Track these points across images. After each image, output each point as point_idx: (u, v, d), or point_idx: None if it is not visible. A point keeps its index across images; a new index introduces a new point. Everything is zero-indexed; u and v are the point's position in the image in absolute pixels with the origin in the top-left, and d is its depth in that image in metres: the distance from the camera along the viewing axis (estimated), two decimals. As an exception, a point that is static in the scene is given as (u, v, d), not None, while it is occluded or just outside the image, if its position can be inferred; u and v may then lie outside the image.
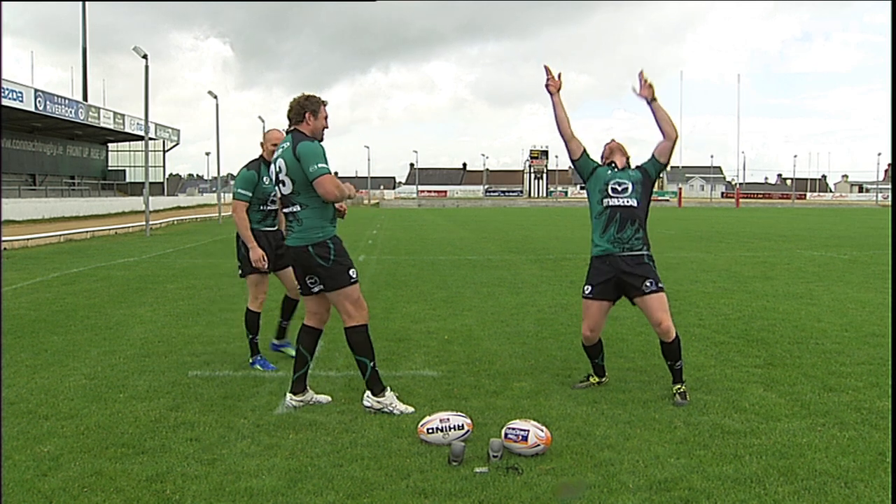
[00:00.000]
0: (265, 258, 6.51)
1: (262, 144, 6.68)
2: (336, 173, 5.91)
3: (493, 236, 26.40)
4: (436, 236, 26.55)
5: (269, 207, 6.67)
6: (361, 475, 4.19)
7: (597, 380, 6.06)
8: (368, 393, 5.38)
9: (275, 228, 6.77)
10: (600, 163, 5.95)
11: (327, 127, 5.45)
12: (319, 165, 5.17)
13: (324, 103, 5.42)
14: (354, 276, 5.38)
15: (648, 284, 5.61)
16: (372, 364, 5.36)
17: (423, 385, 6.06)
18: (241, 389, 5.94)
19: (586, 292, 5.83)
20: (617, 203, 5.70)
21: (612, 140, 6.04)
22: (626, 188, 5.74)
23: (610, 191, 5.74)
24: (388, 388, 5.40)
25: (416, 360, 6.99)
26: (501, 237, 25.93)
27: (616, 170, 5.84)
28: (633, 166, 5.92)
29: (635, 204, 5.71)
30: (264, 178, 6.53)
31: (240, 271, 6.93)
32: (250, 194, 6.52)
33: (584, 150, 5.93)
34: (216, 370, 6.57)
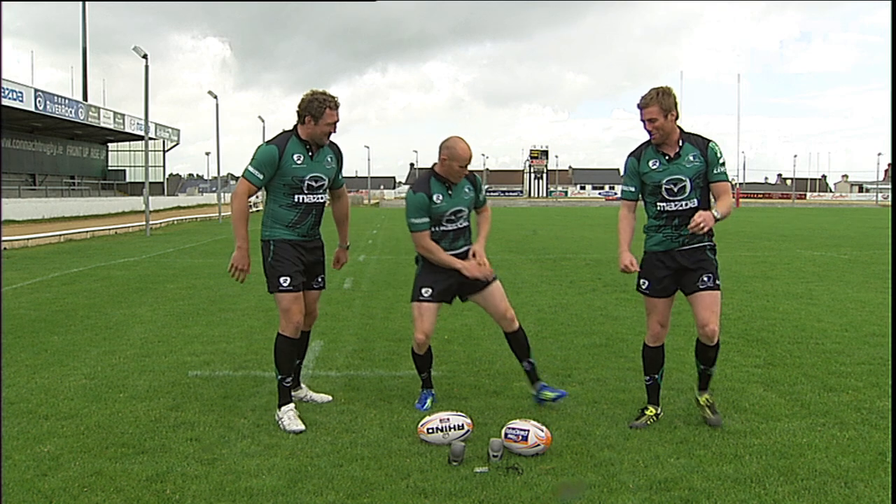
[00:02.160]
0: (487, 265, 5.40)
1: (442, 161, 5.34)
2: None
3: (492, 236, 26.34)
4: (436, 236, 26.54)
5: (445, 228, 5.40)
6: (361, 475, 4.19)
7: (654, 412, 5.14)
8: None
9: (465, 248, 5.52)
10: (641, 148, 5.03)
11: (332, 132, 5.14)
12: (248, 168, 5.04)
13: (330, 106, 5.05)
14: (285, 284, 5.12)
15: (706, 279, 4.90)
16: (279, 378, 5.17)
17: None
18: (241, 389, 5.93)
19: (644, 287, 5.09)
20: (675, 208, 4.89)
21: (649, 101, 4.81)
22: (684, 187, 4.86)
23: (664, 192, 4.89)
24: (290, 405, 5.13)
25: (416, 359, 6.97)
26: (501, 237, 25.90)
27: (667, 160, 4.90)
28: (693, 145, 4.89)
29: (696, 204, 4.87)
30: (436, 197, 5.34)
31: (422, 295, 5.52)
32: (427, 219, 5.36)
33: (636, 193, 5.09)
34: (216, 370, 6.56)
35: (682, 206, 4.88)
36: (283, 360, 5.20)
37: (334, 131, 5.17)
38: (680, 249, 4.94)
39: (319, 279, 5.50)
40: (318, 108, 5.02)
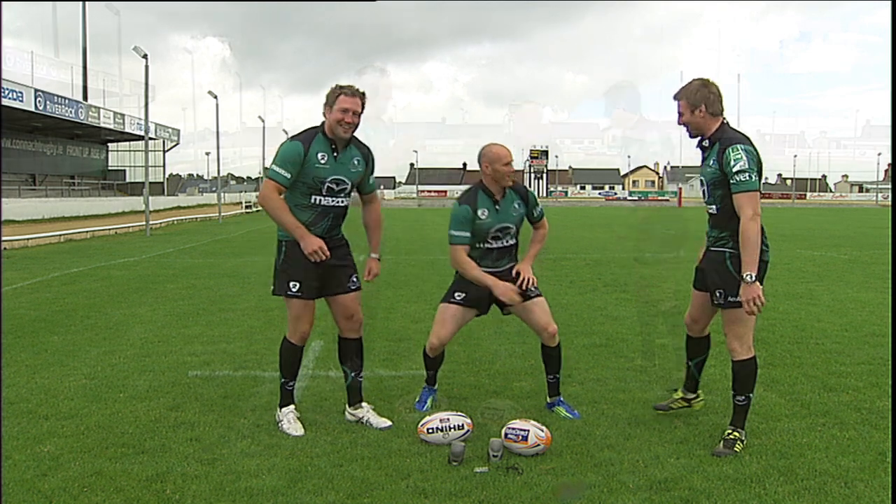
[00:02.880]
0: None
1: (485, 170, 5.21)
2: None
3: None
4: (436, 236, 26.50)
5: (490, 245, 5.25)
6: (361, 475, 4.20)
7: (681, 396, 5.18)
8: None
9: (509, 266, 5.34)
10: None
11: (345, 121, 4.77)
12: (272, 167, 4.76)
13: (345, 93, 4.76)
14: (294, 290, 4.90)
15: (717, 296, 4.61)
16: (283, 381, 5.11)
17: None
18: (240, 389, 5.93)
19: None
20: (707, 209, 4.74)
21: (679, 93, 4.63)
22: (704, 191, 4.66)
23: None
24: (290, 406, 5.08)
25: (417, 360, 6.92)
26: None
27: (703, 159, 4.69)
28: (719, 146, 4.50)
29: (714, 211, 4.61)
30: (481, 212, 5.16)
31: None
32: (468, 234, 5.16)
33: None
34: (216, 370, 6.56)
35: (708, 209, 4.68)
36: (286, 364, 5.10)
37: (351, 122, 4.79)
38: (709, 248, 4.76)
39: (354, 279, 5.16)
40: (331, 95, 4.77)
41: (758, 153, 4.46)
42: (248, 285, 12.39)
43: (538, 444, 4.48)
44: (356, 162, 4.97)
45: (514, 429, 4.57)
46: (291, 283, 4.91)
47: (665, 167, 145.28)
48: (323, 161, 4.81)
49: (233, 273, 14.30)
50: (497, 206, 5.18)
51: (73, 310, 9.80)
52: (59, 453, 4.50)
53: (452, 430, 4.70)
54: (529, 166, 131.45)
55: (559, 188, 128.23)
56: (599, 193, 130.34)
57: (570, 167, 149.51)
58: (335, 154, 4.85)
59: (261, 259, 17.31)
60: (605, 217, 46.65)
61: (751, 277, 4.32)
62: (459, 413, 4.89)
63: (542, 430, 4.56)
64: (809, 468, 4.24)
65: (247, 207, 60.14)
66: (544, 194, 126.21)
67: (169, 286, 12.34)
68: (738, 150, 4.39)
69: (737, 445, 4.54)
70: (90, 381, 6.15)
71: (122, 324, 8.81)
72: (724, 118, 4.61)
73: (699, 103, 4.53)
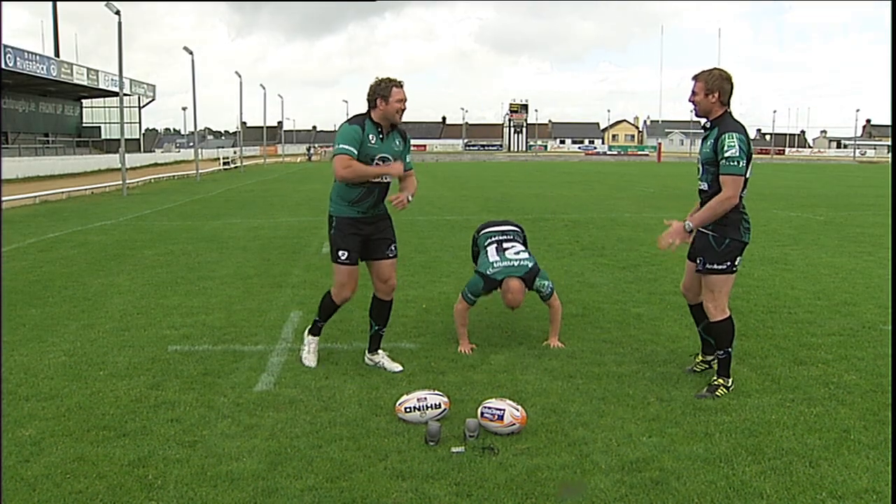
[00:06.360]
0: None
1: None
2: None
3: (472, 194, 26.38)
4: (418, 193, 26.51)
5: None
6: (340, 457, 4.26)
7: (701, 359, 5.73)
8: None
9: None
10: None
11: (404, 108, 5.57)
12: (339, 145, 5.47)
13: (396, 85, 5.50)
14: (343, 258, 5.70)
15: (699, 262, 5.24)
16: (316, 319, 6.07)
17: (402, 358, 6.11)
18: (220, 365, 5.97)
19: None
20: (699, 185, 5.29)
21: (699, 75, 5.19)
22: (699, 168, 5.26)
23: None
24: (316, 338, 6.07)
25: (395, 330, 7.03)
26: (480, 195, 25.92)
27: (703, 139, 5.26)
28: (717, 131, 5.08)
29: (706, 188, 5.17)
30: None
31: None
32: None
33: None
34: (195, 344, 6.58)
35: (699, 185, 5.26)
36: (324, 311, 6.01)
37: (405, 108, 5.59)
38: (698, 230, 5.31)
39: (392, 248, 5.97)
40: (385, 89, 5.48)
41: (749, 143, 5.04)
42: (226, 251, 12.36)
43: (514, 424, 4.57)
44: (398, 142, 5.73)
45: (489, 408, 4.65)
46: (340, 252, 5.71)
47: (645, 121, 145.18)
48: (373, 141, 5.56)
49: (211, 237, 14.25)
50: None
51: (51, 279, 9.74)
52: (40, 437, 4.52)
53: (430, 409, 4.77)
54: (509, 120, 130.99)
55: (539, 142, 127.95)
56: (579, 148, 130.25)
57: (549, 121, 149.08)
58: (381, 136, 5.59)
59: (239, 221, 17.25)
60: (585, 173, 46.63)
61: (688, 226, 5.09)
62: (437, 392, 4.96)
63: (518, 409, 4.64)
64: (777, 447, 4.35)
65: (224, 164, 59.49)
66: (524, 148, 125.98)
67: (147, 252, 12.28)
68: (732, 137, 4.97)
69: (719, 391, 5.20)
70: (70, 359, 6.14)
71: (100, 294, 8.78)
72: (728, 109, 5.16)
73: (715, 90, 5.10)
